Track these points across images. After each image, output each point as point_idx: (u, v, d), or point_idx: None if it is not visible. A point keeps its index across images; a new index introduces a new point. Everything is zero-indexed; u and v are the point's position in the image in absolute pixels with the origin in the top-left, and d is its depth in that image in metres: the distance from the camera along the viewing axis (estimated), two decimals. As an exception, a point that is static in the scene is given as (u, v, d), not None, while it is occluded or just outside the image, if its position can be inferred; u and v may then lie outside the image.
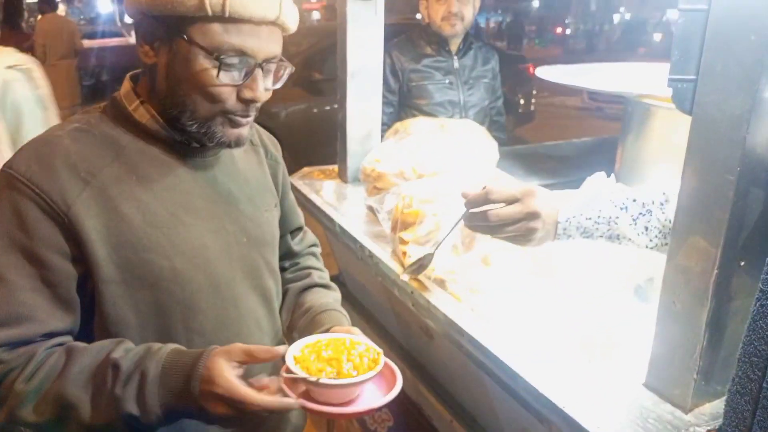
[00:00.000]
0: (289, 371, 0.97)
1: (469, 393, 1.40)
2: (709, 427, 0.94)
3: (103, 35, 9.43)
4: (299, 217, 1.40)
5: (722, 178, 0.87)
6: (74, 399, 0.90)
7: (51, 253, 0.94)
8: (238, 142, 1.05)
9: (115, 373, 0.91)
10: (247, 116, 1.03)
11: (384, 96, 2.28)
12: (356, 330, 1.12)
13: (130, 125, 1.03)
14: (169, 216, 1.03)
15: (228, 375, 0.91)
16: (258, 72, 0.99)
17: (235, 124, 1.03)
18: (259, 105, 1.03)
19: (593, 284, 1.36)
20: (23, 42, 8.03)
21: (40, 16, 8.43)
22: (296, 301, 1.29)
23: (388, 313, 1.79)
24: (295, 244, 1.38)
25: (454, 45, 2.71)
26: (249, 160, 1.21)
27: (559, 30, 23.60)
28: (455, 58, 2.72)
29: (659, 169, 1.92)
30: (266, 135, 1.30)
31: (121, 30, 11.10)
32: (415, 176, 1.78)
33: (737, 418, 0.85)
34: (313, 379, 0.95)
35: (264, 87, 1.01)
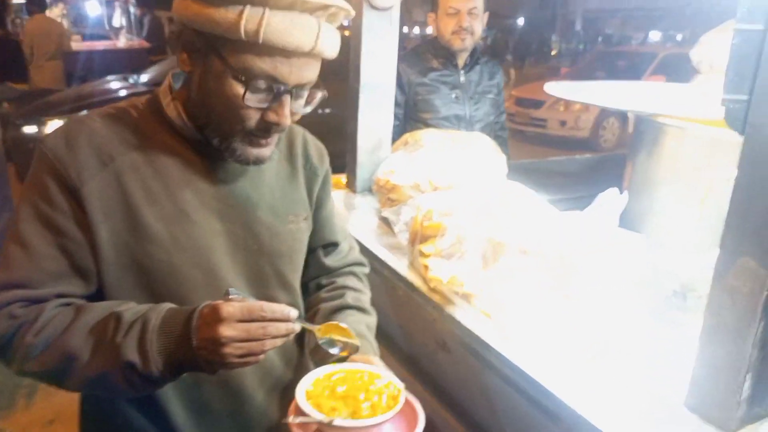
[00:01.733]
0: (299, 408, 0.92)
1: (490, 409, 1.38)
2: (753, 451, 0.93)
3: (91, 38, 9.32)
4: (335, 232, 1.33)
5: (775, 198, 0.87)
6: (76, 350, 0.92)
7: (70, 223, 0.98)
8: (257, 161, 1.06)
9: (117, 324, 0.92)
10: (268, 137, 1.04)
11: (390, 109, 2.26)
12: (377, 360, 1.08)
13: (161, 119, 1.06)
14: (177, 212, 1.04)
15: (231, 304, 0.89)
16: (286, 98, 0.99)
17: (256, 144, 1.04)
18: (283, 128, 1.03)
19: (617, 300, 1.35)
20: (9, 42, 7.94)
21: (27, 17, 8.34)
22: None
23: (398, 324, 1.77)
24: (329, 259, 1.31)
25: (461, 59, 2.71)
26: (280, 170, 1.20)
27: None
28: (461, 72, 2.72)
29: (670, 187, 1.93)
30: (313, 144, 1.27)
31: (109, 33, 10.99)
32: (431, 188, 1.77)
33: (786, 442, 0.84)
34: (326, 420, 0.89)
35: (291, 111, 1.01)
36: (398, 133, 2.56)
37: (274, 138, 1.05)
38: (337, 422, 0.88)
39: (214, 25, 0.92)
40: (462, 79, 2.72)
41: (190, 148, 1.07)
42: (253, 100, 0.97)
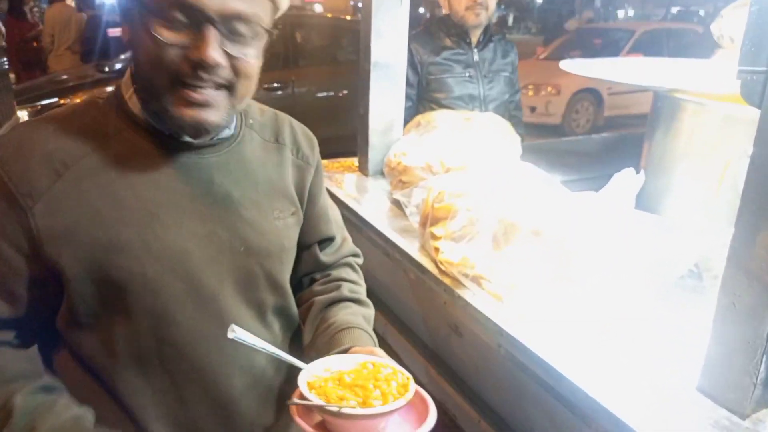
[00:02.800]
0: (302, 397, 0.85)
1: (502, 393, 1.37)
2: (769, 434, 0.91)
3: (107, 25, 9.35)
4: (330, 226, 1.21)
5: (793, 174, 0.83)
6: None
7: (5, 245, 0.89)
8: (197, 125, 0.90)
9: None
10: (199, 86, 0.87)
11: (403, 89, 2.23)
12: (380, 351, 0.98)
13: (123, 114, 0.95)
14: (147, 215, 0.93)
15: None
16: (210, 30, 0.84)
17: (188, 101, 0.88)
18: (223, 74, 0.88)
19: (630, 282, 1.33)
20: (28, 31, 8.01)
21: (47, 6, 8.39)
22: (320, 317, 1.14)
23: (411, 308, 1.76)
24: (325, 255, 1.20)
25: (474, 37, 2.66)
26: (266, 161, 1.07)
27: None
28: (475, 50, 2.67)
29: (688, 165, 1.89)
30: (302, 133, 1.15)
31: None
32: (443, 170, 1.75)
33: (803, 425, 0.82)
34: (335, 408, 0.82)
35: (229, 53, 0.87)
36: (412, 114, 2.53)
37: (209, 92, 0.89)
38: (346, 410, 0.81)
39: None
40: (475, 57, 2.67)
41: (158, 144, 0.95)
42: (170, 35, 0.84)
